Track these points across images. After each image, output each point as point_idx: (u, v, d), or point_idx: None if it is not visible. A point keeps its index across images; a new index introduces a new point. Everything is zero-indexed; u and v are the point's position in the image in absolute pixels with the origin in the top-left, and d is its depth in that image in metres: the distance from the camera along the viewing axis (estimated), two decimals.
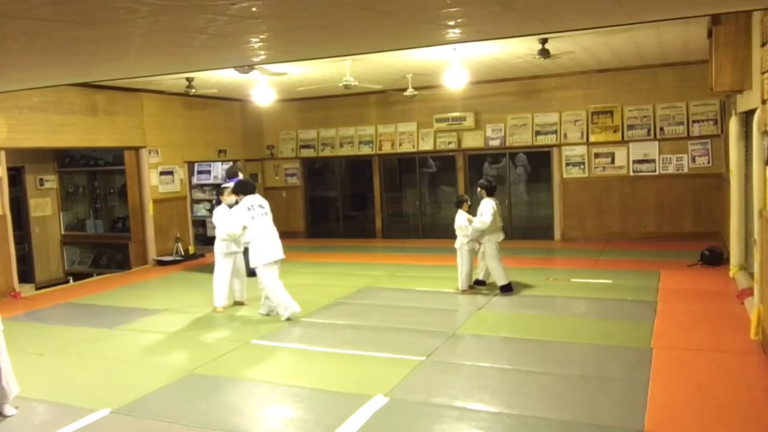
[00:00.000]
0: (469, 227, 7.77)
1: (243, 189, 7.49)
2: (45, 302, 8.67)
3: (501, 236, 7.86)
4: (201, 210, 13.43)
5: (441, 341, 6.01)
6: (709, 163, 10.98)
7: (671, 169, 11.24)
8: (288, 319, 7.02)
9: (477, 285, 8.04)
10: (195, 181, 13.41)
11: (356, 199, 14.42)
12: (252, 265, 7.27)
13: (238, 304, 7.92)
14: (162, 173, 11.63)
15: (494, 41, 7.66)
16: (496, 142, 12.36)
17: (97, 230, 12.59)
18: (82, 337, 6.81)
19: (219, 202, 7.96)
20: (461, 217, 7.89)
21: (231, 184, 8.78)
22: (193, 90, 10.48)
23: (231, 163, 12.55)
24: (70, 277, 11.91)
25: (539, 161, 12.40)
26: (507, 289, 7.77)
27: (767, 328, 5.28)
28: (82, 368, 5.81)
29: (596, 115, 11.62)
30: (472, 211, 7.94)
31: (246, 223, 7.17)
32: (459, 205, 8.03)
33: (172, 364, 5.79)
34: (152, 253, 11.42)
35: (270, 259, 7.15)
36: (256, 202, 7.37)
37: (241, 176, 9.72)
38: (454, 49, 8.21)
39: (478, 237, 7.84)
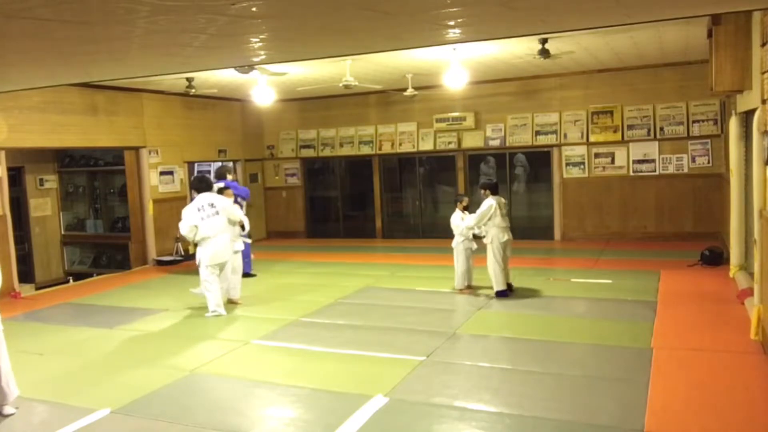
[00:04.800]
0: (461, 225, 7.83)
1: (197, 186, 7.62)
2: (45, 302, 8.67)
3: (505, 236, 7.70)
4: None
5: (441, 341, 6.01)
6: (709, 163, 10.98)
7: (671, 169, 11.24)
8: (217, 315, 7.37)
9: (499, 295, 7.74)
10: None
11: (356, 199, 14.42)
12: (197, 262, 7.44)
13: (232, 302, 7.92)
14: (162, 173, 11.63)
15: (494, 41, 7.66)
16: (496, 142, 12.36)
17: (97, 230, 12.59)
18: (82, 337, 6.81)
19: None
20: (455, 217, 7.95)
21: (221, 184, 8.81)
22: (193, 90, 10.49)
23: (228, 164, 12.55)
24: (70, 277, 11.91)
25: (539, 161, 12.40)
26: (501, 294, 7.68)
27: (767, 328, 5.28)
28: (82, 368, 5.81)
29: (596, 115, 11.62)
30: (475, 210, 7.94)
31: (196, 223, 7.29)
32: (455, 203, 8.13)
33: (172, 364, 5.79)
34: (152, 253, 11.42)
35: (212, 261, 7.33)
36: (207, 201, 7.45)
37: (230, 177, 9.70)
38: (454, 49, 8.21)
39: (482, 236, 7.82)
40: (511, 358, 5.65)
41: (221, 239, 7.43)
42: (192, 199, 12.69)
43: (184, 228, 7.38)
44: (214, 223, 7.37)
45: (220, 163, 13.24)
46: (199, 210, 7.34)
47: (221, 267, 7.51)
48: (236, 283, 7.99)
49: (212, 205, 7.44)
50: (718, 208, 10.70)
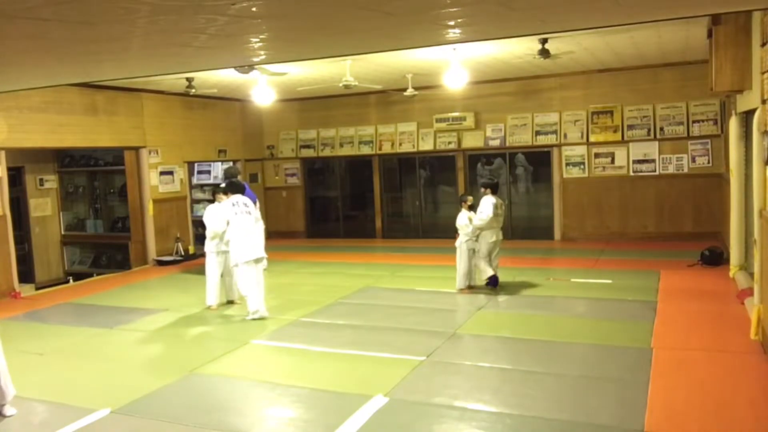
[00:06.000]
0: (470, 226, 7.83)
1: (232, 189, 7.57)
2: (45, 302, 8.67)
3: (494, 236, 7.82)
4: (201, 210, 13.38)
5: (441, 341, 6.01)
6: (709, 163, 10.98)
7: (671, 169, 11.24)
8: (259, 318, 7.10)
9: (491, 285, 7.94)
10: (195, 181, 13.40)
11: (356, 199, 14.42)
12: (232, 263, 7.36)
13: (230, 302, 7.93)
14: (162, 173, 11.63)
15: (494, 41, 7.66)
16: (496, 142, 12.36)
17: (97, 230, 12.58)
18: (82, 337, 6.81)
19: (213, 201, 7.99)
20: (462, 216, 7.95)
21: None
22: (193, 90, 10.49)
23: (231, 163, 12.55)
24: (70, 277, 11.90)
25: (539, 161, 12.40)
26: (492, 281, 7.83)
27: (767, 328, 5.28)
28: (82, 368, 5.81)
29: (596, 115, 11.62)
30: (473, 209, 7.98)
31: (229, 218, 7.26)
32: (460, 203, 8.14)
33: (172, 364, 5.79)
34: (152, 253, 11.41)
35: (249, 257, 7.21)
36: (241, 200, 7.45)
37: (240, 177, 9.73)
38: (454, 49, 8.22)
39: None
40: (511, 358, 5.65)
41: (255, 234, 7.39)
42: (194, 200, 12.79)
43: (218, 223, 7.31)
44: (247, 220, 7.36)
45: (220, 164, 13.28)
46: (233, 205, 7.34)
47: (258, 262, 7.33)
48: (233, 283, 7.92)
49: (246, 205, 7.48)
50: (718, 208, 10.70)
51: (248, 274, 7.15)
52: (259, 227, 7.59)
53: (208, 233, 7.70)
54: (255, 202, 9.76)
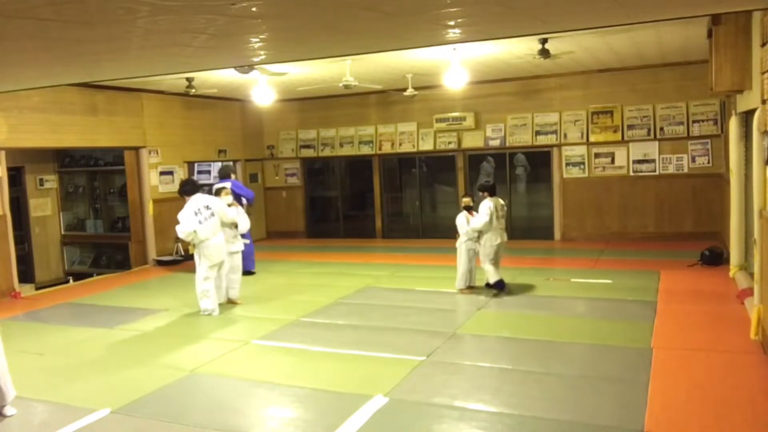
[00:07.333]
0: (465, 226, 7.82)
1: (188, 190, 7.59)
2: (45, 302, 8.67)
3: (497, 239, 7.72)
4: None
5: (441, 341, 6.01)
6: (709, 163, 10.98)
7: (671, 169, 11.24)
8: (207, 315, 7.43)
9: (490, 287, 7.88)
10: None
11: (356, 199, 14.42)
12: (197, 262, 7.49)
13: (231, 302, 7.93)
14: (162, 173, 11.63)
15: (494, 41, 7.66)
16: (496, 142, 12.36)
17: (97, 230, 12.59)
18: (82, 337, 6.81)
19: None
20: (461, 216, 7.95)
21: (225, 184, 8.82)
22: (193, 90, 10.49)
23: (230, 163, 12.55)
24: (70, 277, 11.90)
25: (539, 161, 12.40)
26: (498, 285, 7.72)
27: (767, 328, 5.28)
28: (82, 368, 5.81)
29: (596, 115, 11.62)
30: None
31: (195, 228, 7.30)
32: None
33: (172, 364, 5.79)
34: (152, 253, 11.41)
35: (211, 262, 7.41)
36: (202, 204, 7.46)
37: (233, 177, 9.72)
38: (454, 49, 8.22)
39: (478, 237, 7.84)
40: (511, 358, 5.64)
41: (218, 240, 7.50)
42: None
43: (183, 233, 7.37)
44: (211, 225, 7.42)
45: (220, 163, 13.27)
46: (196, 213, 7.33)
47: (218, 267, 7.57)
48: (235, 282, 8.00)
49: (208, 207, 7.47)
50: (718, 208, 10.70)
51: (207, 272, 7.41)
52: (220, 231, 7.57)
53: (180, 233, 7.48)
54: (250, 200, 9.69)
